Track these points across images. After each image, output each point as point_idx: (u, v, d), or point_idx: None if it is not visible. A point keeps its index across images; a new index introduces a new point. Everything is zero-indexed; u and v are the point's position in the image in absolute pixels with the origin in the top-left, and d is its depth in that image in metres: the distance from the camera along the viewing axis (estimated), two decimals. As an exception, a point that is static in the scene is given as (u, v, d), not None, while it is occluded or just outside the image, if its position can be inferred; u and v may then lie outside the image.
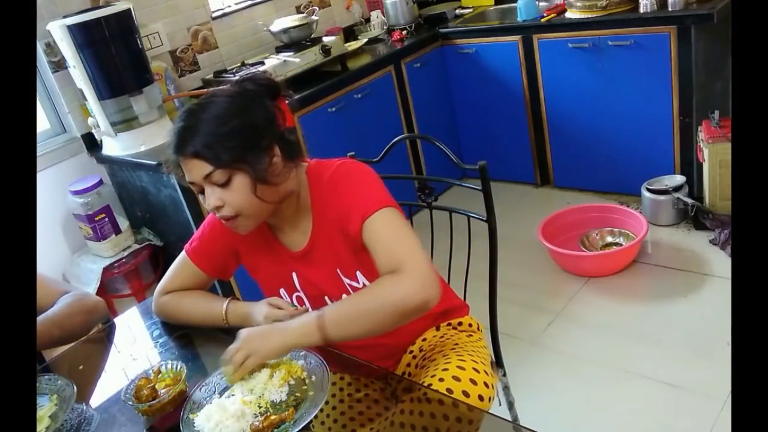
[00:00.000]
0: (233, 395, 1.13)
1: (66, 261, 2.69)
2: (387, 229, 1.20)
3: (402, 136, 1.74)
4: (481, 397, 1.22)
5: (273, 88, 1.26)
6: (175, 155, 1.22)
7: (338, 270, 1.32)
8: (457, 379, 1.22)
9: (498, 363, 1.60)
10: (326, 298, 1.37)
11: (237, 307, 1.37)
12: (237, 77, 2.78)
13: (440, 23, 3.50)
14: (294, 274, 1.37)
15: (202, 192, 1.23)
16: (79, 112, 2.69)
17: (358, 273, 1.32)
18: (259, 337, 1.15)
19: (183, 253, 1.45)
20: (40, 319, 1.42)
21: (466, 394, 1.20)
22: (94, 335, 1.58)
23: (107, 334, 1.58)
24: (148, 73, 2.55)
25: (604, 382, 2.13)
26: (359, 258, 1.29)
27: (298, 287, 1.38)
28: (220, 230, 1.40)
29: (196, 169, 1.19)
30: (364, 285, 1.32)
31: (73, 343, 1.55)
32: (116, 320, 1.62)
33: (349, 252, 1.29)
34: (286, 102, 1.30)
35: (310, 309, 1.38)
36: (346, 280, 1.33)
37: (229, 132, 1.18)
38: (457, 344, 1.38)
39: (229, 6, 3.22)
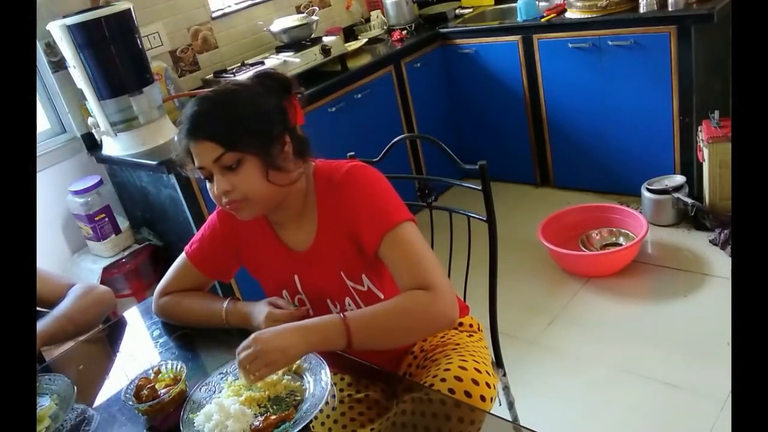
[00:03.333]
0: (232, 397, 1.13)
1: (66, 261, 2.69)
2: (410, 246, 1.20)
3: (402, 136, 1.73)
4: (483, 398, 1.22)
5: (286, 84, 1.27)
6: (186, 139, 1.22)
7: (342, 273, 1.31)
8: (459, 379, 1.22)
9: (498, 363, 1.60)
10: (328, 300, 1.36)
11: (237, 308, 1.37)
12: (240, 75, 2.79)
13: (440, 23, 3.50)
14: (296, 276, 1.36)
15: (210, 178, 1.22)
16: (79, 112, 2.69)
17: (363, 276, 1.31)
18: (277, 350, 1.07)
19: (183, 255, 1.45)
20: (52, 315, 1.42)
21: (468, 394, 1.20)
22: (95, 335, 1.58)
23: (111, 333, 1.58)
24: (148, 73, 2.55)
25: (604, 382, 2.13)
26: (365, 261, 1.28)
27: (300, 289, 1.37)
28: (221, 233, 1.40)
29: (207, 153, 1.19)
30: (369, 288, 1.32)
31: (73, 342, 1.55)
32: (117, 320, 1.62)
33: (355, 255, 1.28)
34: (298, 101, 1.29)
35: (311, 310, 1.38)
36: (350, 283, 1.32)
37: (241, 116, 1.19)
38: (458, 344, 1.37)
39: (229, 6, 3.22)
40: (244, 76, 2.79)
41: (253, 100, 1.22)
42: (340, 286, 1.33)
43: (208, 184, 1.25)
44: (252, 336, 1.10)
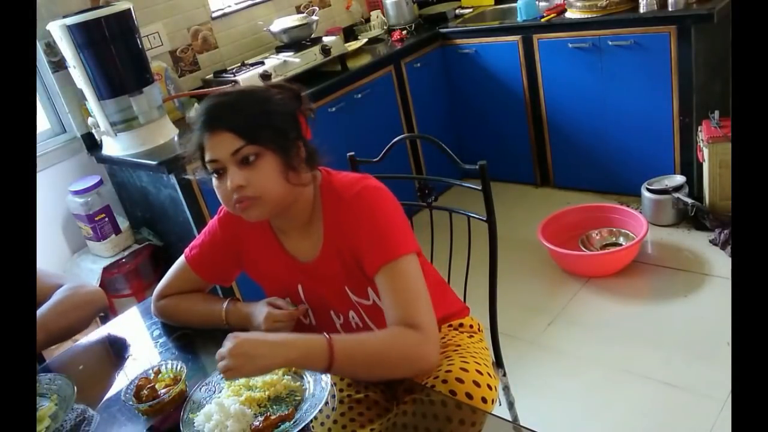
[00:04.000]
0: (232, 397, 1.13)
1: (66, 261, 2.69)
2: (406, 282, 1.18)
3: (402, 136, 1.74)
4: (484, 399, 1.22)
5: (298, 96, 1.27)
6: (201, 132, 1.18)
7: (346, 287, 1.31)
8: (460, 380, 1.21)
9: (498, 363, 1.60)
10: (331, 312, 1.36)
11: (237, 308, 1.37)
12: (240, 75, 2.79)
13: (440, 23, 3.50)
14: (300, 286, 1.35)
15: (221, 173, 1.19)
16: (79, 112, 2.69)
17: (368, 290, 1.30)
18: (244, 356, 1.04)
19: (182, 259, 1.43)
20: None
21: (469, 396, 1.20)
22: (95, 336, 1.58)
23: (111, 333, 1.57)
24: (148, 73, 2.55)
25: (604, 382, 2.13)
26: (370, 277, 1.26)
27: (303, 299, 1.36)
28: (222, 239, 1.38)
29: (225, 144, 1.16)
30: (374, 302, 1.31)
31: (73, 342, 1.55)
32: (116, 320, 1.62)
33: (359, 272, 1.26)
34: (307, 116, 1.29)
35: (310, 310, 1.38)
36: (355, 298, 1.31)
37: (263, 113, 1.19)
38: (459, 345, 1.37)
39: (229, 6, 3.22)
40: (246, 75, 2.79)
41: (271, 99, 1.22)
42: (344, 300, 1.32)
43: (216, 182, 1.21)
44: (232, 334, 1.07)
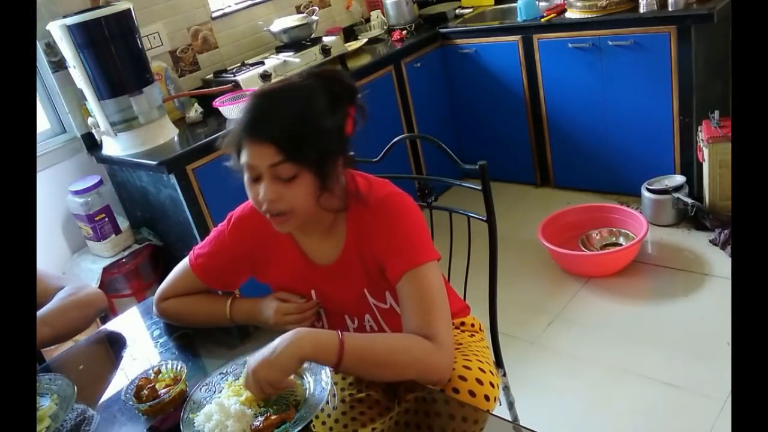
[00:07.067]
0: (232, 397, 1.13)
1: (66, 261, 2.69)
2: (427, 290, 1.17)
3: (402, 136, 1.73)
4: (486, 397, 1.22)
5: (352, 93, 1.21)
6: (244, 132, 1.13)
7: (366, 290, 1.30)
8: (463, 378, 1.22)
9: (498, 363, 1.60)
10: (346, 316, 1.36)
11: (241, 305, 1.37)
12: (240, 75, 2.79)
13: (440, 23, 3.50)
14: (313, 292, 1.34)
15: (257, 179, 1.16)
16: (79, 112, 2.69)
17: (387, 294, 1.30)
18: (265, 364, 1.06)
19: (187, 265, 1.40)
20: None
21: (472, 393, 1.20)
22: (95, 336, 1.58)
23: (111, 333, 1.58)
24: (148, 73, 2.55)
25: (604, 382, 2.13)
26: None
27: None
28: (231, 248, 1.36)
29: (265, 156, 1.11)
30: (391, 306, 1.30)
31: (73, 342, 1.55)
32: (116, 320, 1.62)
33: (380, 276, 1.26)
34: (356, 112, 1.25)
35: (323, 312, 1.37)
36: (373, 301, 1.31)
37: (312, 130, 1.13)
38: (460, 344, 1.38)
39: (229, 6, 3.22)
40: (246, 75, 2.78)
41: (326, 113, 1.16)
42: (361, 303, 1.32)
43: (248, 181, 1.17)
44: (244, 363, 1.09)
